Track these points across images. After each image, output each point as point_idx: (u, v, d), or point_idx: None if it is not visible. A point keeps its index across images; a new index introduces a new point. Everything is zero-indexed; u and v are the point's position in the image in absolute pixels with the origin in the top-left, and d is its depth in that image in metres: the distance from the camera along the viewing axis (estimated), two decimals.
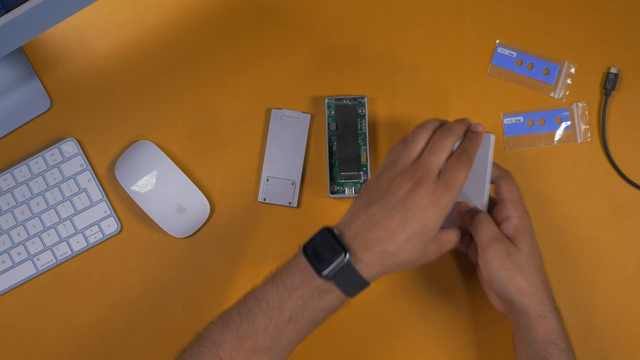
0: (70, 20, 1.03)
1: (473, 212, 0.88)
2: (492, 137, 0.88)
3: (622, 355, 0.98)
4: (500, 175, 0.90)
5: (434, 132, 0.86)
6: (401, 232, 0.81)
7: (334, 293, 0.81)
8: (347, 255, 0.80)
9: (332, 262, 0.80)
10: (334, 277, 0.80)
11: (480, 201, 0.89)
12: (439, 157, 0.84)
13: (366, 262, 0.81)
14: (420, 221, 0.81)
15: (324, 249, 0.81)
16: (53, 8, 0.88)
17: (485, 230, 0.86)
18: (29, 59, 1.03)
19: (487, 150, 0.88)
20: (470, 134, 0.87)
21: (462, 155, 0.85)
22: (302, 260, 0.82)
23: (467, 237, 0.92)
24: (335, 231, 0.82)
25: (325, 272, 0.80)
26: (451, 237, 0.86)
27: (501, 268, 0.85)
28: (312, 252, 0.81)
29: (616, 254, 0.99)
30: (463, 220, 0.89)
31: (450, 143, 0.85)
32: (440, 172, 0.83)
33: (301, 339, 0.84)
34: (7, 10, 0.86)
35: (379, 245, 0.81)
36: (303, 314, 0.81)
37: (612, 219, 0.99)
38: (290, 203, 1.00)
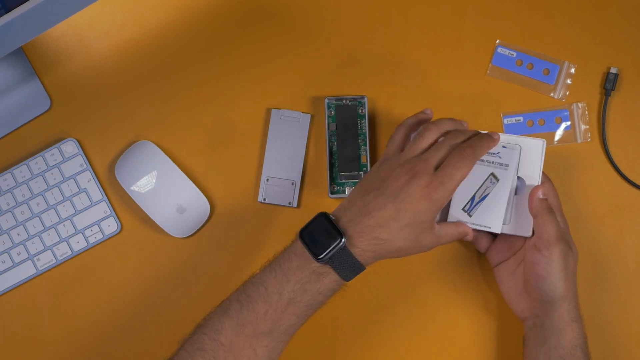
0: (70, 20, 1.03)
1: (544, 205, 0.88)
2: (544, 143, 0.89)
3: (622, 355, 0.98)
4: (544, 181, 0.91)
5: (445, 133, 0.88)
6: (393, 222, 0.82)
7: (330, 276, 0.83)
8: (343, 239, 0.82)
9: (328, 245, 0.82)
10: (330, 261, 0.82)
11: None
12: (441, 155, 0.85)
13: (360, 247, 0.82)
14: (412, 213, 0.82)
15: (320, 233, 0.82)
16: (53, 8, 0.88)
17: (555, 227, 0.87)
18: (29, 59, 1.03)
19: (540, 157, 0.89)
20: (483, 134, 0.88)
21: (466, 151, 0.85)
22: (299, 245, 0.83)
23: (487, 239, 0.94)
24: (332, 216, 0.84)
25: (322, 255, 0.82)
26: (450, 232, 0.87)
27: (561, 268, 0.86)
28: (309, 237, 0.83)
29: (616, 254, 0.99)
30: (530, 205, 0.89)
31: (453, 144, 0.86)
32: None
33: (301, 323, 0.85)
34: (7, 10, 0.86)
35: (372, 232, 0.82)
36: (302, 298, 0.83)
37: (612, 219, 0.99)
38: (290, 203, 1.00)
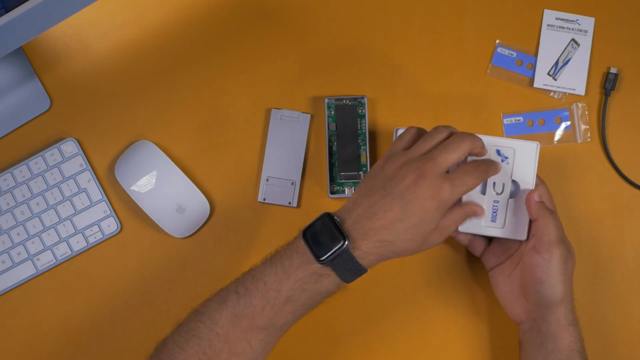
0: (70, 20, 1.03)
1: (543, 207, 0.87)
2: (538, 146, 0.89)
3: (622, 355, 0.98)
4: (538, 184, 0.91)
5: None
6: (399, 223, 0.81)
7: (331, 278, 0.82)
8: (346, 242, 0.81)
9: (331, 248, 0.81)
10: (331, 263, 0.81)
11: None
12: (450, 156, 0.83)
13: (364, 250, 0.82)
14: (419, 214, 0.81)
15: (323, 234, 0.82)
16: (53, 8, 0.88)
17: (556, 229, 0.86)
18: (29, 59, 1.03)
19: (534, 160, 0.89)
20: (495, 163, 0.87)
21: (481, 166, 0.85)
22: (301, 244, 0.83)
23: (482, 243, 0.94)
24: (336, 218, 0.83)
25: (323, 257, 0.81)
26: (456, 217, 0.85)
27: (561, 271, 0.86)
28: (312, 237, 0.82)
29: (616, 254, 0.99)
30: (528, 209, 0.88)
31: (466, 148, 0.84)
32: (448, 171, 0.83)
33: (296, 320, 0.85)
34: (7, 10, 0.86)
35: (377, 234, 0.81)
36: (300, 297, 0.82)
37: (612, 219, 0.99)
38: (290, 203, 1.00)
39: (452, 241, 0.99)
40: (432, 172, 0.81)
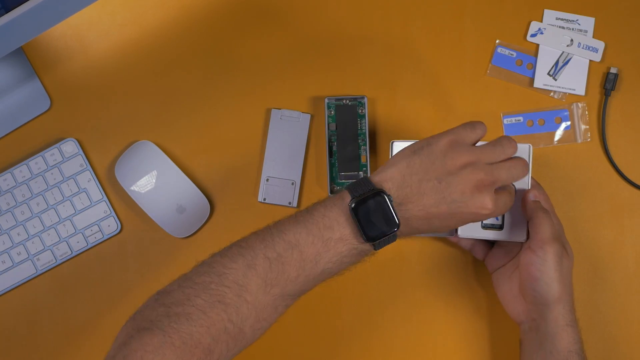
0: (70, 20, 1.03)
1: (538, 206, 0.88)
2: (530, 148, 0.88)
3: (623, 355, 0.98)
4: (534, 185, 0.91)
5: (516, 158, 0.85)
6: (437, 220, 0.80)
7: (369, 251, 0.81)
8: (397, 228, 0.79)
9: (384, 232, 0.79)
10: (377, 243, 0.80)
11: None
12: (508, 179, 0.82)
13: (400, 230, 0.80)
14: (457, 221, 0.81)
15: (376, 215, 0.79)
16: (53, 8, 0.88)
17: (550, 227, 0.86)
18: (29, 59, 1.03)
19: (528, 161, 0.88)
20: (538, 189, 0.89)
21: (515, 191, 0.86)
22: (343, 216, 0.79)
23: (484, 247, 0.95)
24: (390, 198, 0.79)
25: (376, 241, 0.79)
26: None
27: (555, 269, 0.86)
28: (364, 215, 0.79)
29: (616, 254, 0.99)
30: (523, 208, 0.89)
31: (521, 175, 0.84)
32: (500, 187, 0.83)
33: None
34: (7, 10, 0.86)
35: (415, 222, 0.80)
36: (336, 268, 0.80)
37: (612, 219, 0.99)
38: (290, 203, 1.00)
39: (453, 242, 0.99)
40: (489, 189, 0.80)
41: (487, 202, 0.80)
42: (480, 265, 0.99)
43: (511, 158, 0.83)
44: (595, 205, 1.00)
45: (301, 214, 0.80)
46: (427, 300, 0.99)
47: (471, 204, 0.79)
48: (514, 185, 0.88)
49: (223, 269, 0.79)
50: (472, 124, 0.83)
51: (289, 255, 0.78)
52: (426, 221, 0.80)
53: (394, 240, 0.81)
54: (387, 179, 0.80)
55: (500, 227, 0.90)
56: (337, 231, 0.79)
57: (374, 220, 0.78)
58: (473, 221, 0.81)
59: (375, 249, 0.81)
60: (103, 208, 1.01)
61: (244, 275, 0.78)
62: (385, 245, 0.81)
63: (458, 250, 0.99)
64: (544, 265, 0.86)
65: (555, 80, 0.99)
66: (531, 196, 0.88)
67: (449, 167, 0.80)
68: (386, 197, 0.79)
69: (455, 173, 0.80)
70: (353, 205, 0.79)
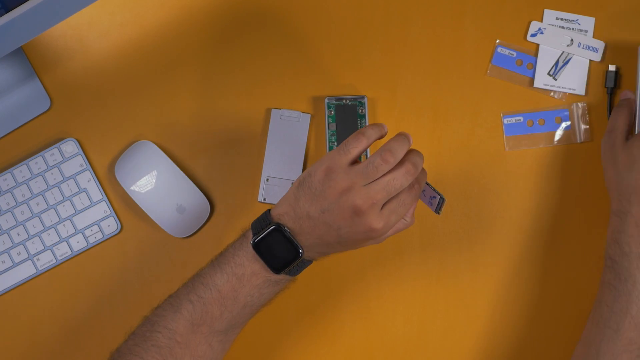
0: (70, 20, 1.03)
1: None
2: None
3: None
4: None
5: (399, 165, 0.82)
6: (338, 246, 0.83)
7: (286, 279, 0.85)
8: (301, 253, 0.82)
9: (288, 262, 0.83)
10: (288, 271, 0.84)
11: None
12: (389, 194, 0.81)
13: (314, 251, 0.84)
14: (359, 242, 0.83)
15: (278, 247, 0.82)
16: (53, 8, 0.88)
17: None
18: (29, 59, 1.03)
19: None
20: (417, 155, 0.84)
21: (415, 188, 0.83)
22: (250, 253, 0.83)
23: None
24: (286, 229, 0.82)
25: (282, 271, 0.83)
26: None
27: None
28: (266, 250, 0.83)
29: None
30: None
31: (406, 185, 0.82)
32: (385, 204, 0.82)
33: (254, 314, 0.87)
34: (7, 10, 0.86)
35: (318, 249, 0.84)
36: (257, 300, 0.85)
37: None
38: None
39: (453, 242, 0.99)
40: (371, 210, 0.80)
41: (372, 223, 0.80)
42: (479, 265, 0.99)
43: (398, 163, 0.81)
44: (595, 206, 0.99)
45: (216, 257, 0.86)
46: (427, 300, 0.99)
47: (357, 229, 0.81)
48: (423, 171, 0.85)
49: (155, 317, 0.86)
50: (347, 145, 0.82)
51: (209, 295, 0.84)
52: (329, 246, 0.83)
53: (308, 264, 0.85)
54: (282, 213, 0.83)
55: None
56: (247, 267, 0.83)
57: (276, 252, 0.82)
58: (375, 240, 0.83)
59: (291, 275, 0.85)
60: (103, 208, 1.01)
61: (172, 320, 0.84)
62: (302, 269, 0.85)
63: (458, 250, 0.99)
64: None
65: (556, 80, 0.99)
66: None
67: (329, 197, 0.81)
68: (283, 231, 0.82)
69: (335, 201, 0.81)
70: (254, 242, 0.83)
